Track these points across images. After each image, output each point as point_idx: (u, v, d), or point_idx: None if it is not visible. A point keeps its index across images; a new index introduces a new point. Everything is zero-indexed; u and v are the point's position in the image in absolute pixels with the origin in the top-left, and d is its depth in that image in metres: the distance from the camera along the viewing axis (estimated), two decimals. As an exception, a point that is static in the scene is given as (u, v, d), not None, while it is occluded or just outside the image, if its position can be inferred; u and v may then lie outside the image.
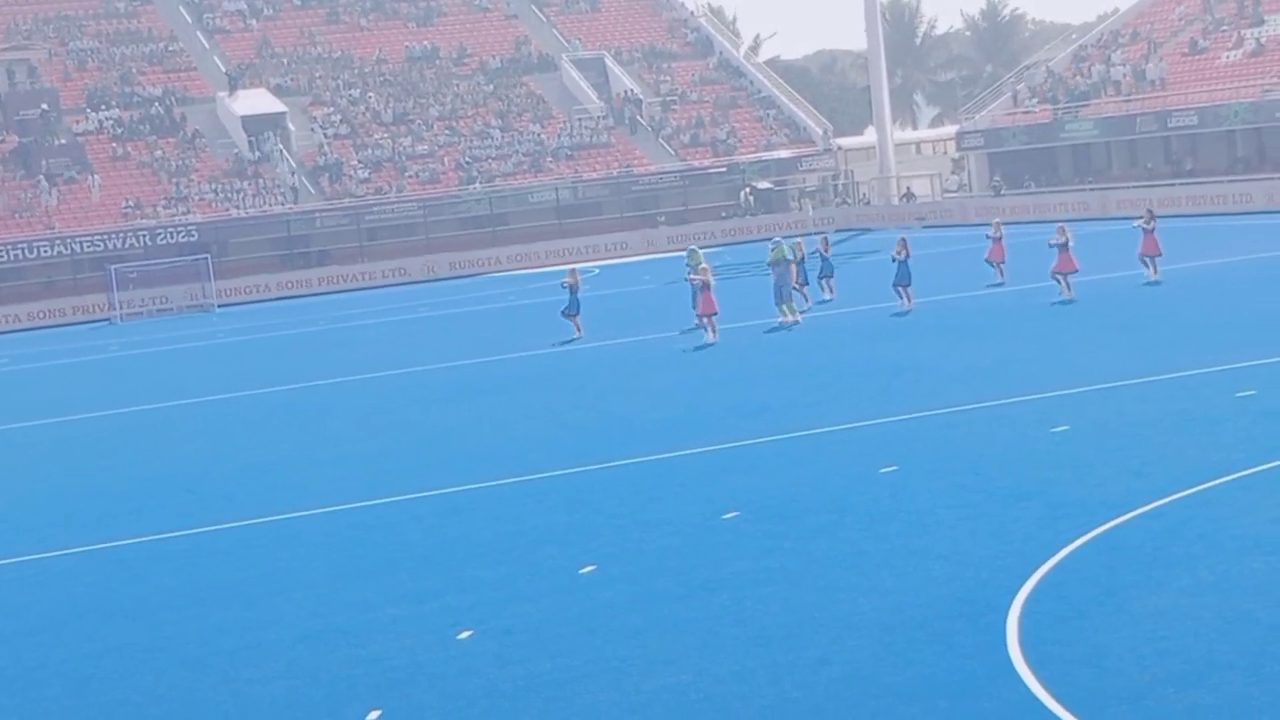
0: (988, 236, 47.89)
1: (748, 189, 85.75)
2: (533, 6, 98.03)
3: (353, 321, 58.40)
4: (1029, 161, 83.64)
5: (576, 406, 31.95)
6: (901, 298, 42.92)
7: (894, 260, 43.26)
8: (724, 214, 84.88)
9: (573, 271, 45.12)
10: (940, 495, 20.86)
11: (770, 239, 46.90)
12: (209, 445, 31.54)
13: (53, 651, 17.57)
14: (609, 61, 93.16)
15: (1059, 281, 41.33)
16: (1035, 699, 13.31)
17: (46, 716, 15.41)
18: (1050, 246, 41.98)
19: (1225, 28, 79.40)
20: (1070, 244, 41.29)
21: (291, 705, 14.98)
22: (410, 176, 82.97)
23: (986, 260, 47.58)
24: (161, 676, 16.25)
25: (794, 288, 43.39)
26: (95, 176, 78.34)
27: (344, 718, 14.49)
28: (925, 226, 77.24)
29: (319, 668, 16.03)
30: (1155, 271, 43.64)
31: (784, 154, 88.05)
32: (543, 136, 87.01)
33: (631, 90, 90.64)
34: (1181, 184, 72.64)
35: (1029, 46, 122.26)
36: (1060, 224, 43.67)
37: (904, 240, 43.54)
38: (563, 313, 44.04)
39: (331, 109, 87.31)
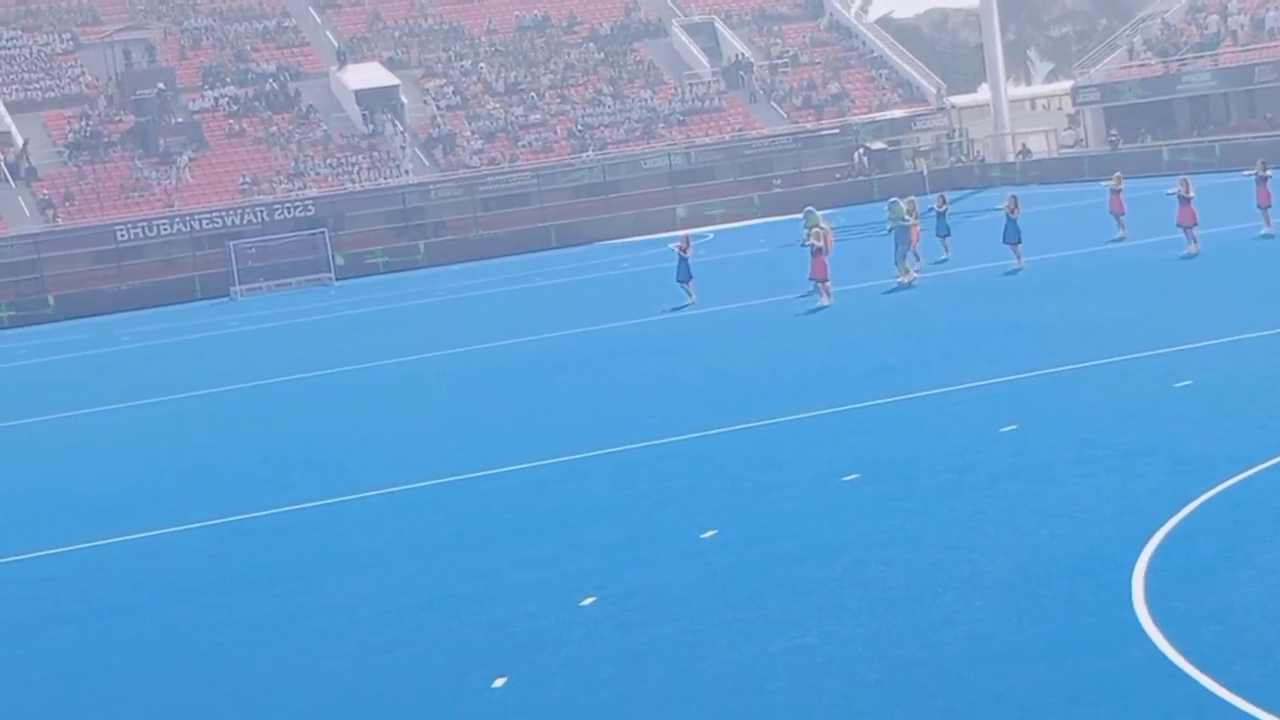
0: (1108, 188, 47.46)
1: (861, 150, 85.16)
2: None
3: (468, 292, 58.65)
4: (1146, 115, 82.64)
5: (693, 371, 31.93)
6: (1013, 255, 42.58)
7: (1001, 210, 43.27)
8: (838, 175, 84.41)
9: (685, 237, 45.12)
10: (1062, 452, 20.71)
11: (887, 199, 46.62)
12: (329, 417, 31.78)
13: (180, 623, 17.78)
14: (719, 25, 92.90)
15: (1185, 234, 40.85)
16: (1162, 656, 13.19)
17: (175, 687, 15.59)
18: (1168, 195, 41.70)
19: (1345, -28, 78.12)
20: (1192, 196, 40.80)
21: (417, 672, 15.09)
22: (523, 146, 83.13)
23: (1110, 213, 47.11)
24: (289, 646, 16.43)
25: (912, 249, 43.20)
26: (186, 156, 78.77)
27: (469, 684, 14.57)
28: (1042, 183, 76.48)
29: (444, 635, 16.14)
30: (1268, 224, 43.00)
31: (897, 114, 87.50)
32: (654, 103, 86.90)
33: (742, 54, 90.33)
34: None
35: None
36: (1183, 177, 43.18)
37: (1014, 197, 43.26)
38: (677, 279, 44.01)
39: (444, 80, 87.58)
